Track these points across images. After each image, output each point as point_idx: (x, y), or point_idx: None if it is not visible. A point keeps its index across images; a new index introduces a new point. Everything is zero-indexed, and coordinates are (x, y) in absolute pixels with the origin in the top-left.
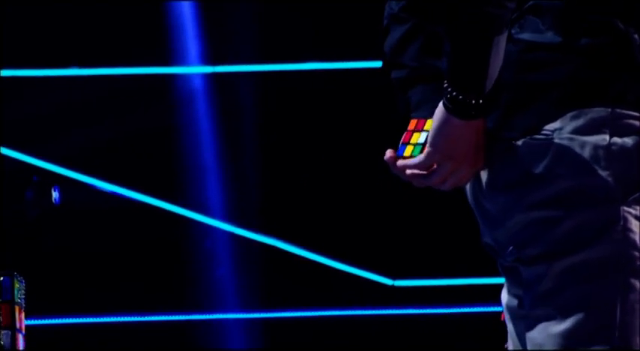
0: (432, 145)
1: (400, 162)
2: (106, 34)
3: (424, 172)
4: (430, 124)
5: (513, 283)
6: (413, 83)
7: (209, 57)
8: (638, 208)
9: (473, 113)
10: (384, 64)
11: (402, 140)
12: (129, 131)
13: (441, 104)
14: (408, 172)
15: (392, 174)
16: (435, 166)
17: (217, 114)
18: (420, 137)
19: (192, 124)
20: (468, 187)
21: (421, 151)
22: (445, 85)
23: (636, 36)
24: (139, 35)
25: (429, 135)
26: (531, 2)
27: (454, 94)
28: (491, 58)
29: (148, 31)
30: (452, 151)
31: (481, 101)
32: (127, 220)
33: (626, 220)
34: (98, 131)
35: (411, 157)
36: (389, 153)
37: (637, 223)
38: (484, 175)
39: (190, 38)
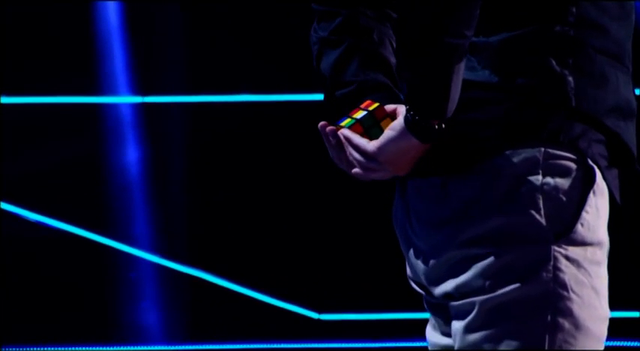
0: (381, 149)
1: (346, 132)
2: (35, 62)
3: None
4: (374, 106)
5: (440, 320)
6: (360, 96)
7: (138, 87)
8: (568, 248)
9: (433, 137)
10: (324, 86)
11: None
12: (56, 160)
13: (402, 119)
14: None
15: (320, 209)
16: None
17: (146, 144)
18: (359, 114)
19: (121, 155)
20: (396, 222)
21: (350, 127)
22: (407, 108)
23: (570, 78)
24: (67, 64)
25: (383, 137)
26: None
27: (416, 118)
28: (452, 86)
29: (76, 60)
30: (396, 160)
31: (443, 126)
32: (51, 250)
33: (556, 259)
34: (24, 160)
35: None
36: (322, 122)
37: (567, 263)
38: (415, 212)
39: (119, 67)
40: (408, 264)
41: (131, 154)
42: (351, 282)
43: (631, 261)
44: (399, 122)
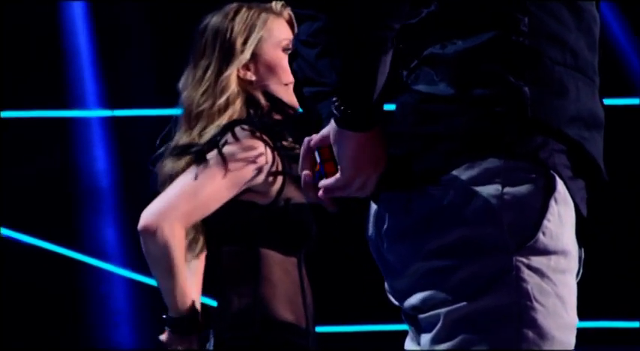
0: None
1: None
2: (3, 77)
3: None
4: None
5: (415, 331)
6: (323, 97)
7: (108, 100)
8: (531, 257)
9: (358, 124)
10: (295, 83)
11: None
12: (25, 175)
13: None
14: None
15: None
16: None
17: (116, 158)
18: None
19: (91, 168)
20: (370, 237)
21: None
22: (334, 98)
23: (526, 88)
24: (36, 79)
25: (321, 132)
26: (426, 53)
27: (339, 105)
28: (378, 75)
29: (46, 75)
30: (341, 155)
31: (366, 114)
32: (21, 265)
33: (518, 269)
34: None
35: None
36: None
37: (530, 272)
38: (383, 226)
39: (89, 81)
40: (384, 277)
41: (101, 168)
42: (334, 295)
43: (631, 272)
44: (331, 121)
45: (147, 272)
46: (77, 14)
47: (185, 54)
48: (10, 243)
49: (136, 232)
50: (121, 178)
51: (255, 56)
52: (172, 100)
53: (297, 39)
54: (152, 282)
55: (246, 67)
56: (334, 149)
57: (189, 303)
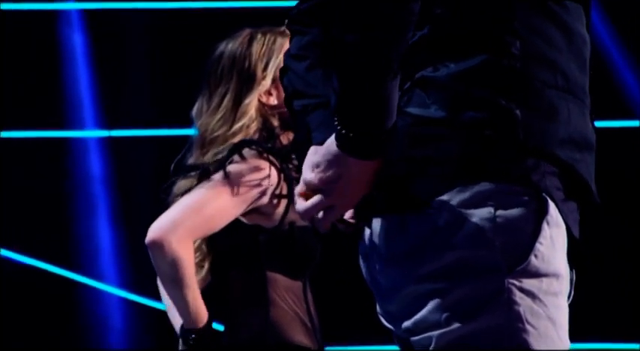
0: (317, 165)
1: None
2: (3, 98)
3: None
4: None
5: None
6: (312, 109)
7: (105, 121)
8: (523, 280)
9: (365, 152)
10: (285, 97)
11: None
12: (22, 195)
13: (333, 137)
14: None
15: None
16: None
17: (113, 178)
18: None
19: (87, 189)
20: (362, 259)
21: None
22: (335, 122)
23: (518, 111)
24: (33, 98)
25: (316, 155)
26: (418, 75)
27: (343, 132)
28: (383, 102)
29: (43, 95)
30: (343, 188)
31: (371, 142)
32: (16, 286)
33: (510, 291)
34: None
35: None
36: None
37: (522, 295)
38: (377, 249)
39: (86, 101)
40: (376, 300)
41: (98, 188)
42: (337, 315)
43: (622, 293)
44: (330, 140)
45: (144, 293)
46: (76, 35)
47: (183, 74)
48: (5, 263)
49: (133, 252)
50: (118, 198)
51: (275, 81)
52: (170, 120)
53: (287, 54)
54: (148, 302)
55: (268, 92)
56: (321, 154)
57: (205, 316)
